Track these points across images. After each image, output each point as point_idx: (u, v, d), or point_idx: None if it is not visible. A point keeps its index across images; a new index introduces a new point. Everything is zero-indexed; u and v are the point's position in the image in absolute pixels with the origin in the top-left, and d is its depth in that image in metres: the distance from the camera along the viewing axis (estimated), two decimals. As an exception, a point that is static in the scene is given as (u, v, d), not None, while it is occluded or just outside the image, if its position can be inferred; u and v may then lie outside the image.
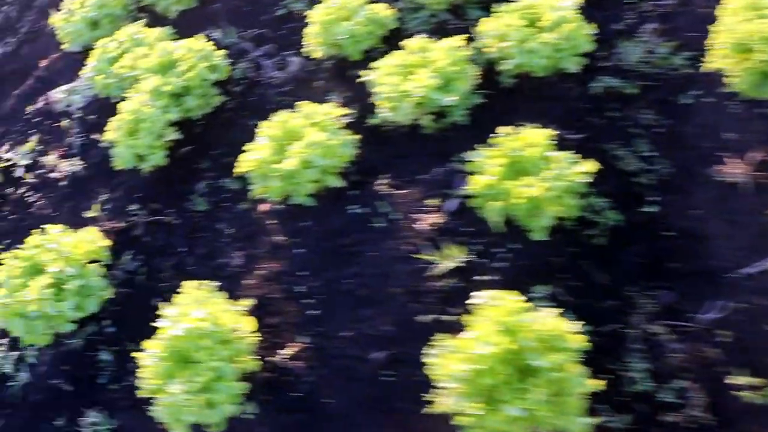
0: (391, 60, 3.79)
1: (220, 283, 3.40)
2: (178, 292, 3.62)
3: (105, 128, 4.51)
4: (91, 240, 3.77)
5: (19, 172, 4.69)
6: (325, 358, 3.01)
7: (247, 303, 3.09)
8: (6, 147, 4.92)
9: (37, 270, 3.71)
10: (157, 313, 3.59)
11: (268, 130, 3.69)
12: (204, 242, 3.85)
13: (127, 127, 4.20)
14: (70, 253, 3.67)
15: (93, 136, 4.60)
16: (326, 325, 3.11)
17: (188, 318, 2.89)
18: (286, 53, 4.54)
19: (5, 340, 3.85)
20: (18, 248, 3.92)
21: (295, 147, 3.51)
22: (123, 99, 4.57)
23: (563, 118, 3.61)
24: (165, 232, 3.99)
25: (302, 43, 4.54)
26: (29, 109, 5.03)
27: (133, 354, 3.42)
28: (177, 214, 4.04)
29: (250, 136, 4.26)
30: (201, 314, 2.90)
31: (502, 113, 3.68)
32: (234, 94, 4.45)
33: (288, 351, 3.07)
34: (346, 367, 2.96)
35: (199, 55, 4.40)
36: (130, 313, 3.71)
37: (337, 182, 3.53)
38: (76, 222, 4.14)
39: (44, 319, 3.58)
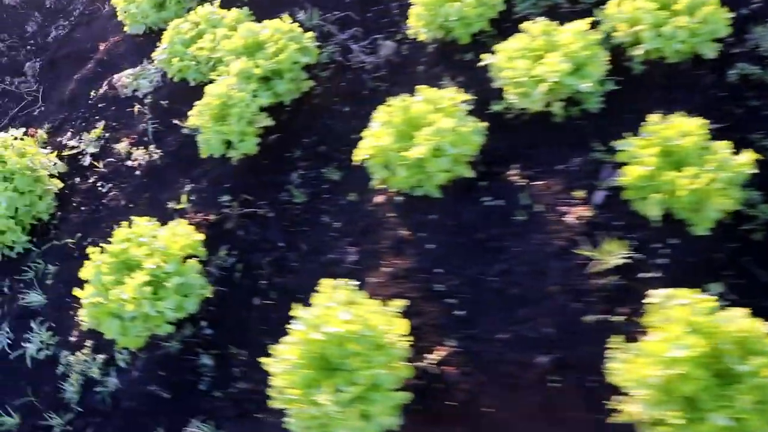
0: (514, 44, 3.50)
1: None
2: (279, 291, 3.36)
3: (180, 114, 4.21)
4: (185, 233, 3.44)
5: (86, 161, 4.35)
6: (481, 363, 2.71)
7: (399, 303, 2.77)
8: (69, 134, 4.57)
9: (128, 266, 3.36)
10: (253, 313, 3.31)
11: (385, 115, 3.39)
12: (306, 237, 3.53)
13: (214, 112, 3.87)
14: (165, 247, 3.35)
15: (167, 122, 4.28)
16: (476, 327, 2.81)
17: (334, 320, 2.59)
18: (375, 37, 4.24)
19: (89, 342, 3.53)
20: (101, 242, 3.61)
21: (422, 134, 3.22)
22: (201, 83, 4.26)
23: (701, 107, 3.33)
24: (259, 225, 3.66)
25: (391, 27, 4.27)
26: (93, 93, 4.70)
27: (237, 358, 3.15)
28: (271, 206, 3.71)
29: (344, 124, 3.97)
30: (348, 316, 2.59)
31: (634, 101, 3.39)
32: (321, 79, 4.13)
33: (436, 355, 2.77)
34: (506, 372, 2.66)
35: (288, 37, 4.09)
36: (228, 314, 3.38)
37: (467, 172, 3.23)
38: (156, 214, 3.79)
39: (141, 320, 3.24)
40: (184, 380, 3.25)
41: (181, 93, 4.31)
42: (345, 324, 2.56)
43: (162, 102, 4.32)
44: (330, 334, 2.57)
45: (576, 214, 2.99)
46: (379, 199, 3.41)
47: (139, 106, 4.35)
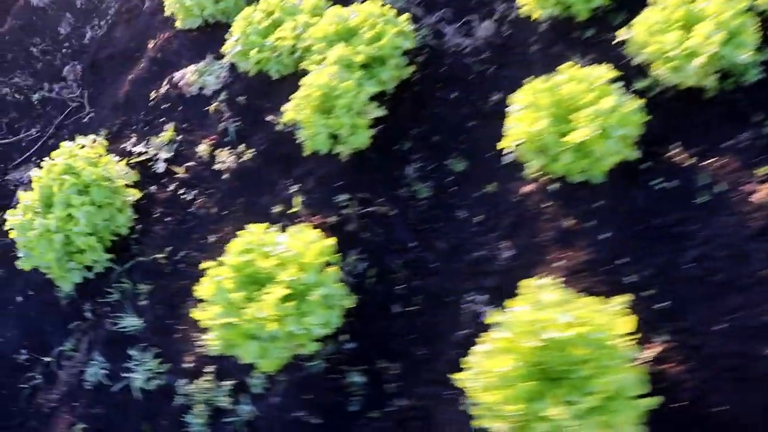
0: (652, 16, 3.25)
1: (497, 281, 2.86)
2: (420, 295, 3.02)
3: (262, 110, 3.83)
4: (315, 239, 3.08)
5: (160, 167, 3.93)
6: (702, 358, 2.45)
7: (622, 300, 2.45)
8: (132, 139, 4.14)
9: (255, 280, 2.99)
10: (396, 321, 2.96)
11: (529, 98, 3.10)
12: (440, 234, 3.20)
13: (316, 105, 3.51)
14: (299, 255, 2.99)
15: (250, 120, 3.89)
16: (685, 319, 2.54)
17: (554, 324, 2.29)
18: (468, 18, 3.94)
19: (210, 368, 3.14)
20: (196, 255, 3.26)
21: (580, 115, 2.94)
22: (283, 76, 3.90)
23: None
24: (383, 225, 3.32)
25: (482, 7, 3.96)
26: (152, 94, 4.27)
27: (388, 372, 2.81)
28: (391, 204, 3.37)
29: (453, 111, 3.61)
30: (569, 318, 2.30)
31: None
32: (417, 65, 3.82)
33: (649, 352, 2.50)
34: (732, 366, 2.41)
35: (384, 20, 3.75)
36: (369, 325, 3.03)
37: (633, 154, 2.96)
38: (256, 220, 3.41)
39: (284, 340, 2.88)
40: (333, 402, 2.90)
41: (260, 87, 3.93)
42: (568, 327, 2.28)
43: (239, 98, 3.93)
44: (551, 339, 2.28)
45: (765, 192, 2.77)
46: (528, 188, 3.11)
47: (217, 103, 3.96)
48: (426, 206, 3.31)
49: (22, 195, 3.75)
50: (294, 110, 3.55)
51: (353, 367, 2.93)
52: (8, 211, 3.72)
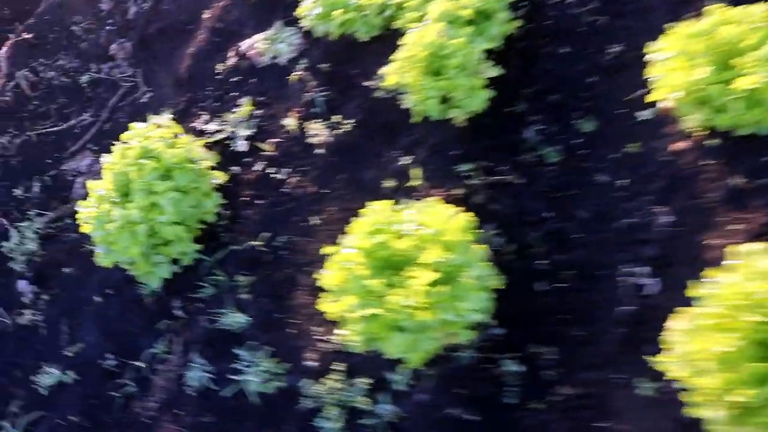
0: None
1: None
2: (568, 270, 2.64)
3: (350, 76, 3.46)
4: (452, 215, 2.75)
5: (241, 145, 3.58)
6: None
7: None
8: (202, 117, 3.77)
9: (390, 264, 2.67)
10: (544, 300, 2.62)
11: (677, 44, 2.76)
12: (579, 202, 2.86)
13: (423, 66, 3.16)
14: (438, 233, 2.65)
15: (339, 88, 3.46)
16: None
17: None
18: (566, -35, 3.60)
19: (339, 365, 2.82)
20: (299, 239, 2.93)
21: (747, 60, 2.60)
22: (372, 38, 3.53)
23: None
24: (511, 195, 2.96)
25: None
26: (219, 68, 3.90)
27: (544, 358, 2.49)
28: (516, 171, 3.02)
29: (569, 67, 3.17)
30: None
31: None
32: (519, 18, 3.46)
33: None
34: None
35: (482, -30, 3.40)
36: (515, 306, 2.67)
37: (809, 98, 2.66)
38: (365, 197, 3.10)
39: (436, 329, 2.57)
40: (488, 395, 2.57)
41: (344, 52, 3.56)
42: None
43: (322, 66, 3.58)
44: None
45: None
46: (680, 145, 2.77)
47: (298, 73, 3.57)
48: (556, 172, 2.97)
49: (92, 184, 3.40)
50: (397, 73, 3.19)
51: (505, 355, 2.61)
52: (80, 203, 3.37)
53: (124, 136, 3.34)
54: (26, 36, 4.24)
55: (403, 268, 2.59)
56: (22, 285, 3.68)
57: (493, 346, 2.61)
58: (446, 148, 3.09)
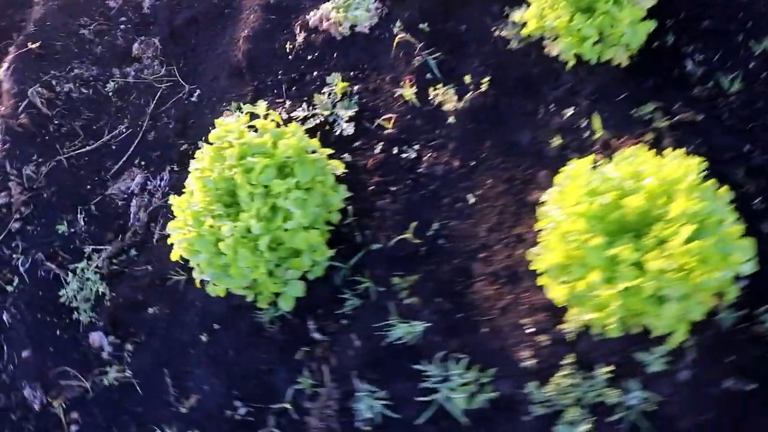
0: None
1: None
2: None
3: (456, 32, 2.94)
4: (676, 161, 2.24)
5: (347, 128, 2.98)
6: None
7: None
8: (287, 104, 3.16)
9: (626, 226, 2.09)
10: None
11: None
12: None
13: (572, 4, 2.68)
14: (674, 182, 2.08)
15: (449, 47, 2.88)
16: None
17: None
18: None
19: (567, 358, 2.23)
20: (455, 224, 2.41)
21: None
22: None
23: None
24: (698, 133, 2.50)
25: None
26: (287, 47, 3.29)
27: None
28: (695, 107, 2.55)
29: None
30: None
31: None
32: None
33: None
34: None
35: None
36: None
37: None
38: (524, 162, 2.56)
39: (704, 291, 2.09)
40: (760, 357, 2.17)
41: (440, 7, 3.04)
42: None
43: (419, 26, 3.04)
44: None
45: None
46: None
47: (401, 36, 2.99)
48: (740, 101, 2.55)
49: (178, 200, 2.76)
50: (537, 18, 2.73)
51: (765, 307, 2.22)
52: (170, 225, 2.72)
53: (212, 135, 2.72)
54: (31, 46, 3.48)
55: (642, 228, 2.15)
56: (96, 338, 2.96)
57: (748, 301, 2.20)
58: (611, 94, 2.62)
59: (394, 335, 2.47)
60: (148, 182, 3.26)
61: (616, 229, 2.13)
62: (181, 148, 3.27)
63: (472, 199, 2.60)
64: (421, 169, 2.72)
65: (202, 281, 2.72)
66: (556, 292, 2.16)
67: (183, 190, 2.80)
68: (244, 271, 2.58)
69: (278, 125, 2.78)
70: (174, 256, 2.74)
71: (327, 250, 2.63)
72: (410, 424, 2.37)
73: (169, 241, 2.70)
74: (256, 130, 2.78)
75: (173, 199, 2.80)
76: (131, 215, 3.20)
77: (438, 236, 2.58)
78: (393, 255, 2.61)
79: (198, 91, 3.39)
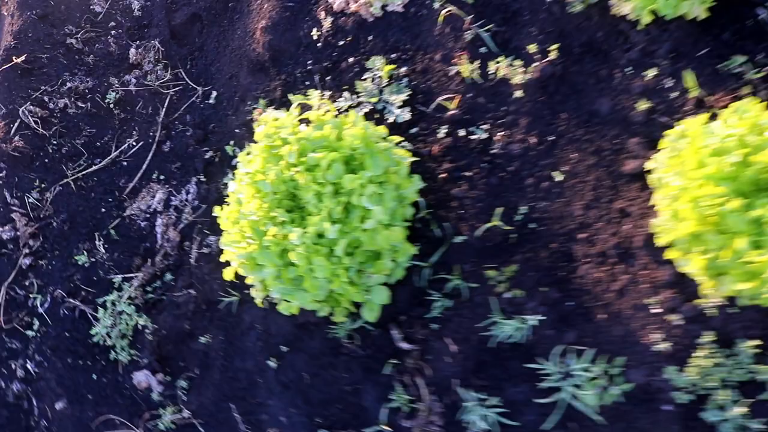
0: None
1: None
2: None
3: (509, 1, 2.71)
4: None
5: (401, 114, 2.63)
6: None
7: None
8: (325, 95, 2.79)
9: (762, 184, 1.97)
10: None
11: None
12: None
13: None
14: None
15: (501, 18, 2.61)
16: None
17: None
18: None
19: (706, 336, 1.95)
20: (550, 205, 2.16)
21: None
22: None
23: None
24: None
25: None
26: (315, 34, 2.96)
27: None
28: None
29: None
30: None
31: None
32: None
33: None
34: None
35: None
36: None
37: None
38: (611, 130, 2.35)
39: None
40: None
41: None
42: None
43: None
44: None
45: None
46: None
47: (447, 10, 2.73)
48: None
49: (223, 212, 2.42)
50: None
51: None
52: (222, 240, 2.38)
53: (260, 134, 2.37)
54: (16, 60, 3.04)
55: (773, 187, 1.95)
56: (142, 378, 2.58)
57: None
58: (692, 50, 2.40)
59: (500, 334, 2.21)
60: (172, 197, 2.90)
61: (751, 189, 1.93)
62: (206, 156, 2.93)
63: (558, 177, 2.36)
64: (495, 150, 2.47)
65: (265, 300, 2.41)
66: (694, 265, 1.95)
67: (225, 201, 2.48)
68: (320, 283, 2.28)
69: (336, 114, 2.49)
70: (228, 275, 2.41)
71: (411, 247, 2.35)
72: (534, 431, 2.13)
73: (223, 258, 2.37)
74: (307, 124, 2.49)
75: (219, 211, 2.47)
76: (158, 236, 2.84)
77: (528, 220, 2.33)
78: (481, 246, 2.34)
79: (214, 93, 3.05)
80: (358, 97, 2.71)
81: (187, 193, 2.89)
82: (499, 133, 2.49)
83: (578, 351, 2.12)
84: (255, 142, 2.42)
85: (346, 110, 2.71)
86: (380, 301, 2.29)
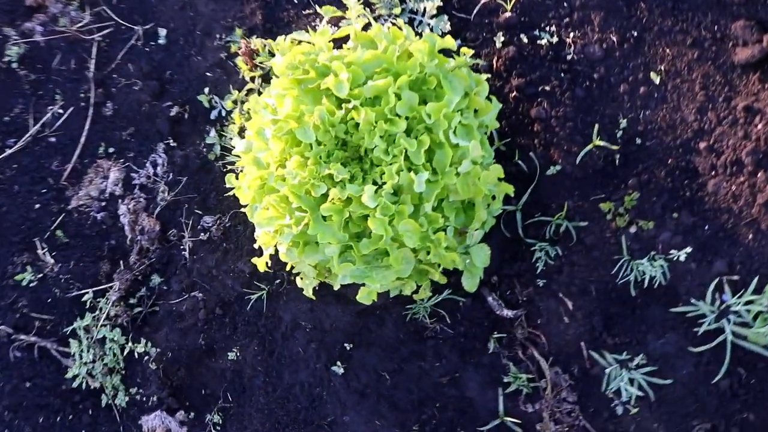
0: None
1: None
2: None
3: None
4: None
5: (437, 26, 1.98)
6: None
7: None
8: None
9: None
10: None
11: None
12: None
13: None
14: None
15: None
16: None
17: None
18: None
19: None
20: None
21: None
22: None
23: None
24: None
25: None
26: None
27: None
28: None
29: None
30: None
31: None
32: None
33: None
34: None
35: None
36: None
37: None
38: (718, 15, 1.92)
39: None
40: None
41: None
42: None
43: None
44: None
45: None
46: None
47: None
48: None
49: (241, 179, 1.71)
50: None
51: None
52: (258, 216, 1.65)
53: (283, 65, 1.67)
54: None
55: None
56: (156, 422, 1.78)
57: None
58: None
59: (630, 278, 1.78)
60: (134, 174, 2.12)
61: None
62: (171, 113, 2.15)
63: (656, 78, 1.91)
64: (571, 56, 1.95)
65: (316, 289, 1.78)
66: None
67: (220, 166, 1.81)
68: (408, 254, 1.70)
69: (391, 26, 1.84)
70: (261, 264, 1.75)
71: (507, 187, 1.80)
72: (697, 385, 1.73)
73: (258, 244, 1.70)
74: (339, 47, 1.83)
75: (233, 181, 1.77)
76: (126, 227, 2.08)
77: (632, 135, 1.84)
78: (582, 175, 1.84)
79: (162, 30, 2.24)
80: (372, 12, 2.10)
81: (155, 165, 2.13)
82: (570, 35, 1.99)
83: (732, 282, 1.75)
84: (242, 86, 1.76)
85: (367, 25, 2.08)
86: (483, 264, 1.74)
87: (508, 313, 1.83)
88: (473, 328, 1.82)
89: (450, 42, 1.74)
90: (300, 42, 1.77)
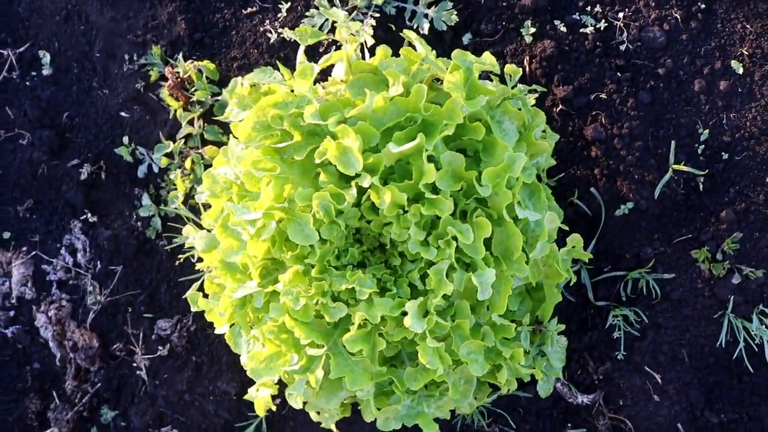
0: None
1: None
2: None
3: None
4: None
5: (437, 19, 1.41)
6: None
7: None
8: (280, 16, 1.39)
9: None
10: None
11: None
12: None
13: None
14: None
15: None
16: None
17: None
18: None
19: None
20: None
21: None
22: None
23: None
24: None
25: None
26: None
27: None
28: None
29: None
30: None
31: None
32: None
33: None
34: None
35: None
36: None
37: None
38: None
39: None
40: None
41: None
42: None
43: None
44: None
45: None
46: None
47: None
48: None
49: (204, 300, 1.10)
50: None
51: None
52: (247, 360, 1.07)
53: (251, 123, 1.04)
54: None
55: None
56: None
57: None
58: None
59: (739, 340, 1.33)
60: (46, 267, 1.47)
61: None
62: (82, 176, 1.48)
63: (739, 67, 1.39)
64: (625, 45, 1.38)
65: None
66: None
67: (162, 248, 1.23)
68: (467, 376, 1.17)
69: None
70: (261, 409, 1.19)
71: (584, 254, 1.26)
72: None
73: (257, 386, 1.14)
74: (325, 80, 1.19)
75: (200, 302, 1.17)
76: (51, 343, 1.43)
77: (716, 148, 1.31)
78: (661, 211, 1.35)
79: (46, 55, 1.53)
80: (345, 5, 1.44)
81: (73, 252, 1.47)
82: (619, 15, 1.43)
83: None
84: (175, 129, 1.17)
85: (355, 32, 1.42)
86: (562, 363, 1.23)
87: (582, 399, 1.37)
88: (542, 424, 1.37)
89: (491, 62, 1.14)
90: (267, 87, 1.13)
